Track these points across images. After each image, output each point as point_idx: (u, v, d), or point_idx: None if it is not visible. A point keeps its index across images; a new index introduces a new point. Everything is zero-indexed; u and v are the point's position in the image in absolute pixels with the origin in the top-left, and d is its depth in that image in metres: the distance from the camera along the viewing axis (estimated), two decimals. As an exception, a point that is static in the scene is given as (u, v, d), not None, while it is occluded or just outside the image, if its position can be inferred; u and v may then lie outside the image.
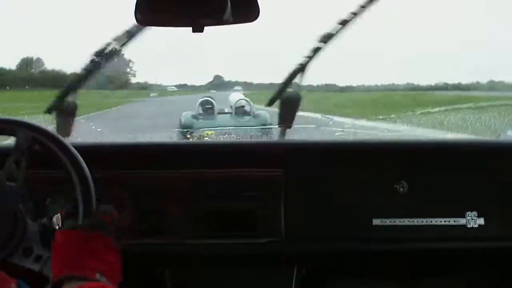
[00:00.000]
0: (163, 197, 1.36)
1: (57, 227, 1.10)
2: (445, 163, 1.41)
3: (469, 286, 1.62)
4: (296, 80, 1.51)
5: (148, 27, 1.32)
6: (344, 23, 1.43)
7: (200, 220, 1.36)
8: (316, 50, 1.46)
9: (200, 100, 7.15)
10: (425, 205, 1.36)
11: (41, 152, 1.12)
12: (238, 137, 3.04)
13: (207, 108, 7.00)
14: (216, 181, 1.37)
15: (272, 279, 1.49)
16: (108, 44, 1.45)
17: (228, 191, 1.37)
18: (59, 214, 1.12)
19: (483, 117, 5.47)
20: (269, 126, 4.09)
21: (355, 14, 1.41)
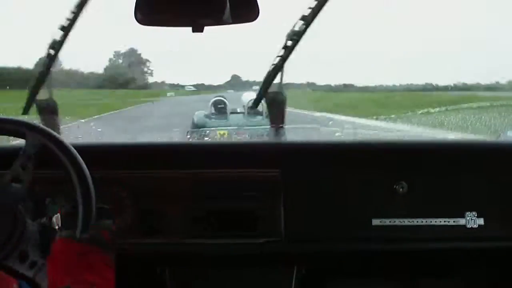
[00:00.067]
0: (163, 197, 1.36)
1: (56, 227, 1.10)
2: (445, 163, 1.41)
3: (468, 286, 1.62)
4: (277, 79, 1.53)
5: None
6: (304, 18, 1.40)
7: (199, 220, 1.36)
8: (290, 49, 1.46)
9: (213, 99, 7.15)
10: (424, 205, 1.36)
11: (41, 152, 1.12)
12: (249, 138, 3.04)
13: (220, 108, 6.99)
14: (215, 181, 1.38)
15: (271, 279, 1.49)
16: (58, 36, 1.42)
17: (227, 191, 1.37)
18: (58, 214, 1.12)
19: (483, 117, 5.47)
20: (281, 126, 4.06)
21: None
